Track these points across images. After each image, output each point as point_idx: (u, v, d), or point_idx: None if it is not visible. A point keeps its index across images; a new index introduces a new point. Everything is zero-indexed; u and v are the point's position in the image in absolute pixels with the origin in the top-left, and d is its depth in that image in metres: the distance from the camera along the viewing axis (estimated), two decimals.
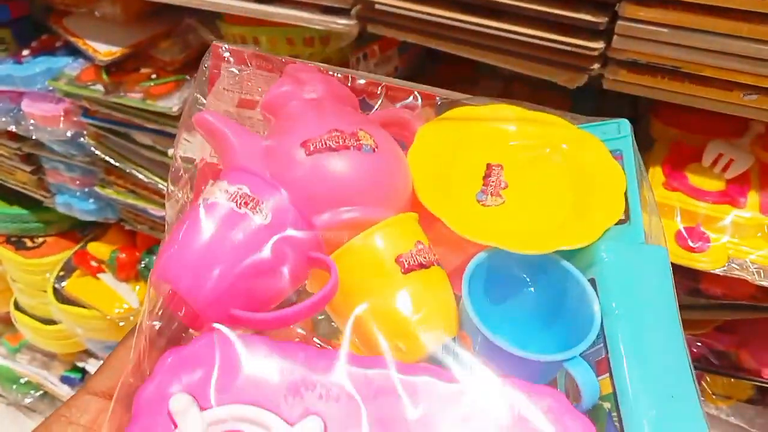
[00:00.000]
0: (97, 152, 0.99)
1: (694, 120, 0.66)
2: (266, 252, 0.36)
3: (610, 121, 0.46)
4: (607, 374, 0.38)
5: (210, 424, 0.33)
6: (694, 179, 0.62)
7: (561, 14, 0.55)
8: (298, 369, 0.34)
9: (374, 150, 0.40)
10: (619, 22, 0.54)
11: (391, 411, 0.33)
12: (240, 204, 0.37)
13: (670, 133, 0.68)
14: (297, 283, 0.39)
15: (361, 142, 0.39)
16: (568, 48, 0.57)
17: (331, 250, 0.40)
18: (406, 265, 0.40)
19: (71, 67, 0.95)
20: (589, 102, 0.81)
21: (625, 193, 0.43)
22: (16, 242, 1.28)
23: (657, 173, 0.64)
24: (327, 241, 0.39)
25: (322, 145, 0.39)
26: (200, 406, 0.33)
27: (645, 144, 0.71)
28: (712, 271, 0.59)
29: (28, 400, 1.53)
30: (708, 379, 0.79)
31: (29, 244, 1.29)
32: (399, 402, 0.34)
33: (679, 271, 0.70)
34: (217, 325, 0.35)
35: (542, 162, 0.45)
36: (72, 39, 0.93)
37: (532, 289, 0.43)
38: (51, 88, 0.94)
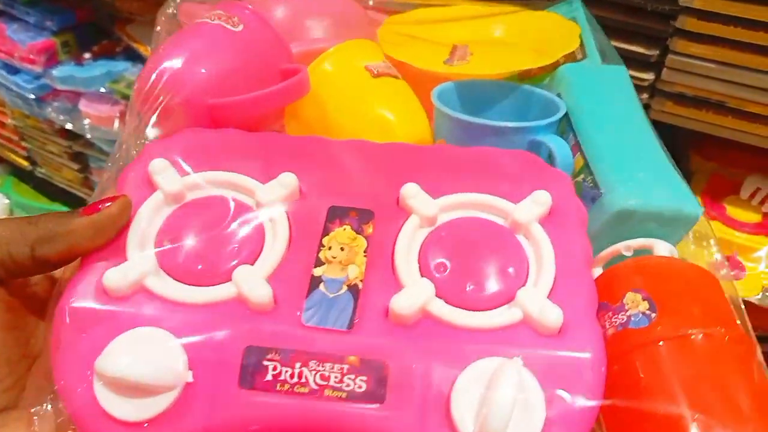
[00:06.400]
0: None
1: (733, 155, 0.69)
2: (239, 55, 0.41)
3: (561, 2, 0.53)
4: (578, 153, 0.40)
5: (188, 188, 0.35)
6: (732, 210, 0.65)
7: (615, 46, 0.58)
8: (276, 145, 0.37)
9: None
10: (670, 56, 0.57)
11: (359, 166, 0.36)
12: (213, 17, 0.42)
13: (708, 166, 0.71)
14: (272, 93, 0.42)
15: None
16: None
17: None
18: (376, 72, 0.43)
19: (130, 71, 1.00)
20: None
21: (581, 36, 0.48)
22: None
23: None
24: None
25: None
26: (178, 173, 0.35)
27: (683, 176, 0.73)
28: (746, 299, 0.61)
29: None
30: None
31: None
32: (369, 160, 0.37)
33: None
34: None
35: (504, 34, 0.51)
36: (134, 45, 0.98)
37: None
38: (110, 90, 0.99)
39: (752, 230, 0.63)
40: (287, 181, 0.34)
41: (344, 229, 0.33)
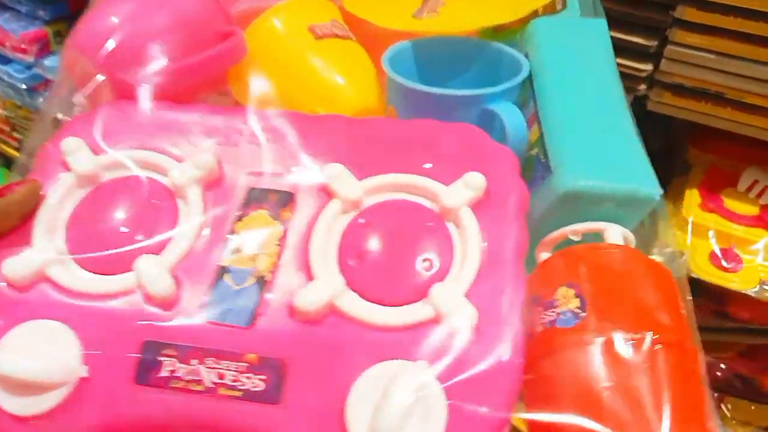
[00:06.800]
0: None
1: (730, 147, 0.68)
2: (170, 20, 0.38)
3: None
4: (536, 124, 0.36)
5: (103, 168, 0.33)
6: (730, 203, 0.65)
7: (614, 36, 0.57)
8: (200, 120, 0.35)
9: None
10: (669, 47, 0.57)
11: (285, 144, 0.34)
12: None
13: (706, 158, 0.71)
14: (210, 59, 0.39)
15: None
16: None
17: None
18: (319, 33, 0.40)
19: None
20: None
21: None
22: None
23: (694, 195, 0.66)
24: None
25: None
26: (93, 151, 0.33)
27: (681, 169, 0.73)
28: (743, 292, 0.61)
29: None
30: (729, 405, 0.80)
31: None
32: (297, 137, 0.34)
33: (707, 293, 0.71)
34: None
35: None
36: None
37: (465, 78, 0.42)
38: None
39: (750, 223, 0.63)
40: (203, 161, 0.32)
41: (259, 214, 0.31)
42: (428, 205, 0.32)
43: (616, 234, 0.32)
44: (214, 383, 0.27)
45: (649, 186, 0.33)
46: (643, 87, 0.60)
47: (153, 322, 0.28)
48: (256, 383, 0.27)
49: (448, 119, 0.34)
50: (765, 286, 0.62)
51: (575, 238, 0.33)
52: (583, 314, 0.27)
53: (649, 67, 0.58)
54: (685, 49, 0.56)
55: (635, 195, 0.33)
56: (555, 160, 0.34)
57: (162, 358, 0.27)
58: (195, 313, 0.28)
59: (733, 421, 0.80)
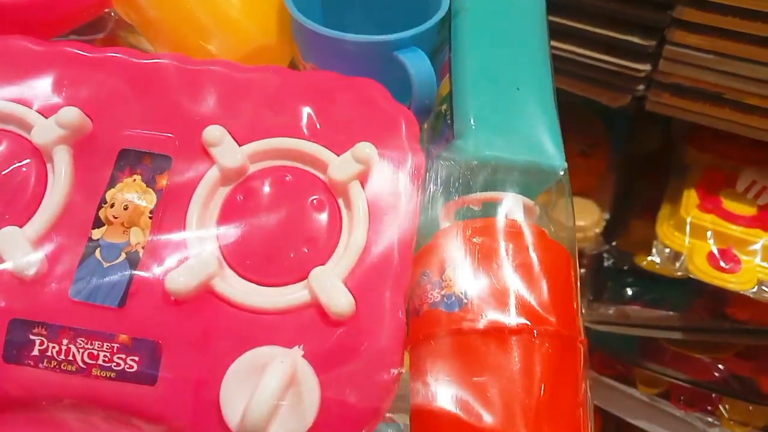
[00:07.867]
0: None
1: (729, 147, 0.68)
2: None
3: None
4: (448, 75, 0.34)
5: None
6: (728, 203, 0.64)
7: (612, 36, 0.57)
8: (63, 64, 0.31)
9: None
10: (667, 47, 0.57)
11: (164, 99, 0.31)
12: None
13: (704, 158, 0.70)
14: None
15: None
16: (615, 69, 0.59)
17: None
18: None
19: None
20: (623, 125, 0.83)
21: None
22: None
23: (692, 195, 0.66)
24: None
25: None
26: None
27: (679, 169, 0.73)
28: (742, 292, 0.61)
29: None
30: (727, 406, 0.80)
31: None
32: (177, 91, 0.31)
33: (706, 293, 0.71)
34: None
35: None
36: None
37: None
38: None
39: (748, 223, 0.63)
40: (68, 118, 0.29)
41: (134, 180, 0.29)
42: (320, 175, 0.30)
43: (516, 204, 0.30)
44: (87, 363, 0.26)
45: (553, 157, 0.31)
46: (641, 87, 0.60)
47: (19, 299, 0.27)
48: (130, 364, 0.26)
49: (352, 65, 0.32)
50: (763, 287, 0.62)
51: (475, 208, 0.31)
52: (466, 301, 0.26)
53: (647, 67, 0.58)
54: (683, 49, 0.56)
55: (538, 166, 0.31)
56: (458, 125, 0.32)
57: (32, 337, 0.26)
58: (64, 290, 0.27)
59: (731, 422, 0.80)
